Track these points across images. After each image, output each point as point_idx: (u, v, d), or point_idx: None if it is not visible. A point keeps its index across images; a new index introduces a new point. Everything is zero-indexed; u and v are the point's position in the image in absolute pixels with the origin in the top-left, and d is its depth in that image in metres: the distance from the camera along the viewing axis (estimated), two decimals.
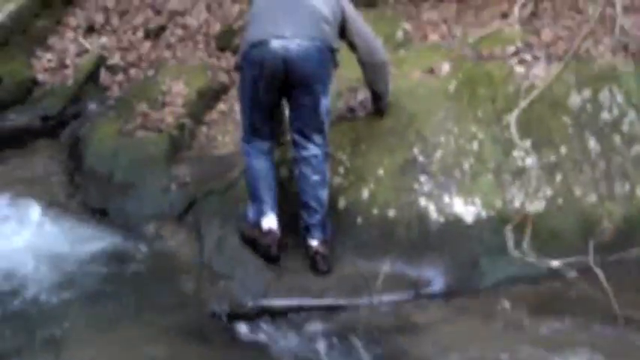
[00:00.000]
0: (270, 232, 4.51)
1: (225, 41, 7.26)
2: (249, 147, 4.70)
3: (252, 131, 4.67)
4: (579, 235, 4.27)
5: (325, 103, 4.48)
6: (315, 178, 4.50)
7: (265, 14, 4.55)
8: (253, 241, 4.60)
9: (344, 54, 4.72)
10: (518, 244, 4.25)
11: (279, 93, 4.52)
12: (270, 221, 4.53)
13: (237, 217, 4.84)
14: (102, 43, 7.79)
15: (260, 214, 4.57)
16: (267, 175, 4.65)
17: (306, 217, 4.51)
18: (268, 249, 4.51)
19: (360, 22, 4.72)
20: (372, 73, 4.80)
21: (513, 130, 4.03)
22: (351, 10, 4.69)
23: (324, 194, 4.52)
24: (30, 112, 7.13)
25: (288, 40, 4.34)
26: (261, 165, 4.66)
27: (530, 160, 4.44)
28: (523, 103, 4.25)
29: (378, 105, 4.94)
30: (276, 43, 4.34)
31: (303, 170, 4.54)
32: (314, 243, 4.48)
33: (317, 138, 4.51)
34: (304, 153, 4.53)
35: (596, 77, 4.77)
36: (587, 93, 4.68)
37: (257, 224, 4.57)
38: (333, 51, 4.48)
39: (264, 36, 4.39)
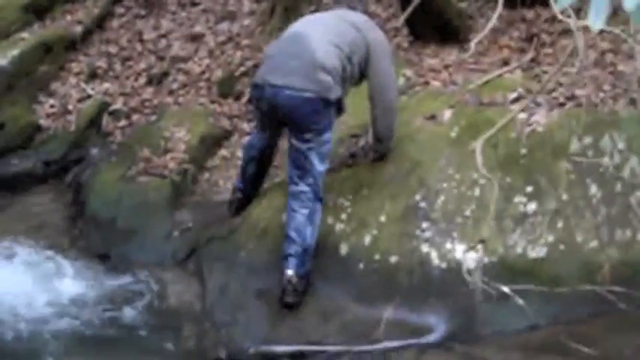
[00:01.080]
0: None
1: (227, 87, 7.34)
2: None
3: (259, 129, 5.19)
4: (580, 281, 4.31)
5: (319, 150, 4.65)
6: (302, 211, 4.61)
7: (271, 58, 4.82)
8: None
9: (348, 100, 4.83)
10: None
11: (278, 124, 4.85)
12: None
13: (240, 264, 4.90)
14: (104, 89, 7.90)
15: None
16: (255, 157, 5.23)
17: (286, 247, 4.60)
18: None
19: (384, 62, 4.86)
20: (379, 112, 4.91)
21: (478, 157, 4.06)
22: (377, 48, 4.84)
23: (307, 230, 4.60)
24: (32, 157, 7.21)
25: (279, 89, 4.58)
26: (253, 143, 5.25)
27: (531, 206, 4.49)
28: (490, 132, 4.28)
29: (378, 148, 5.05)
30: (269, 91, 4.63)
31: (291, 204, 4.67)
32: (288, 272, 4.54)
33: (307, 178, 4.66)
34: (294, 188, 4.68)
35: (598, 123, 4.83)
36: (588, 139, 4.73)
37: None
38: (328, 101, 4.58)
39: (261, 81, 4.71)
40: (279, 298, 4.59)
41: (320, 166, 4.67)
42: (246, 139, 6.17)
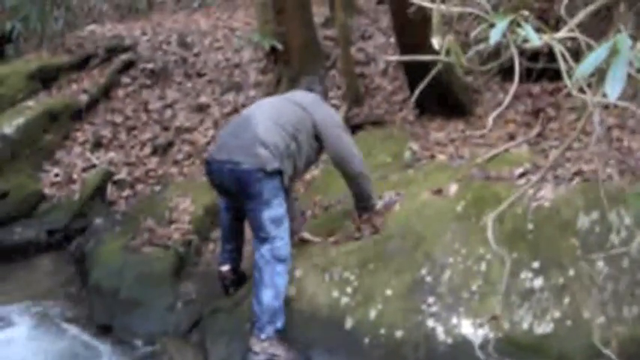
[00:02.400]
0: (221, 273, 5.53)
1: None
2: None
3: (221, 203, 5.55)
4: (587, 357, 4.32)
5: (269, 215, 4.99)
6: (260, 276, 4.95)
7: (221, 137, 5.38)
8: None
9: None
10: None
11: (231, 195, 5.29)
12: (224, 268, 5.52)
13: (244, 336, 4.92)
14: (109, 158, 8.01)
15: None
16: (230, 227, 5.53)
17: (250, 315, 4.98)
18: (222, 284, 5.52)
19: (335, 135, 5.26)
20: (349, 182, 5.34)
21: (490, 233, 4.11)
22: (326, 124, 5.26)
23: (264, 294, 4.88)
24: (36, 225, 7.30)
25: (223, 164, 5.07)
26: (226, 217, 5.52)
27: (538, 282, 4.52)
28: (501, 207, 4.34)
29: (361, 207, 5.41)
30: (215, 166, 5.16)
31: (253, 272, 5.04)
32: (250, 340, 4.86)
33: (265, 244, 4.99)
34: (255, 255, 5.05)
35: (604, 199, 4.87)
36: (595, 215, 4.78)
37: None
38: (265, 171, 4.94)
39: (210, 158, 5.26)
40: None
41: (275, 231, 4.98)
42: None
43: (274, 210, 5.00)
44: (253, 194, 4.98)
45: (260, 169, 4.93)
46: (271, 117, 5.15)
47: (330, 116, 5.34)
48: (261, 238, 5.00)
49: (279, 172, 5.01)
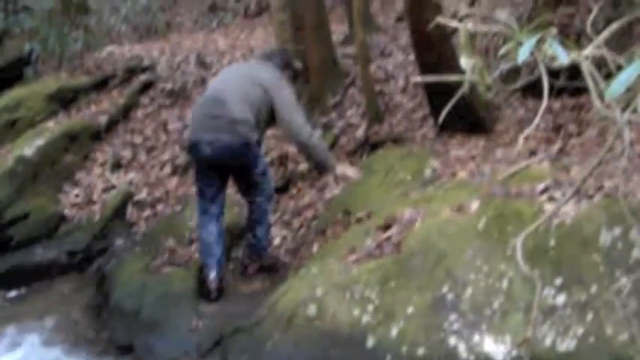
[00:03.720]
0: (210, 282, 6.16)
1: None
2: (199, 215, 6.37)
3: (199, 194, 6.39)
4: None
5: (257, 171, 6.34)
6: (252, 218, 6.47)
7: (197, 117, 6.37)
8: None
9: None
10: None
11: (218, 173, 6.35)
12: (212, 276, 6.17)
13: (265, 355, 4.97)
14: (129, 179, 8.10)
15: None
16: (211, 241, 6.24)
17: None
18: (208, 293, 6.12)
19: (286, 108, 6.32)
20: (300, 150, 6.54)
21: (519, 253, 4.14)
22: (280, 102, 6.32)
23: (258, 231, 6.46)
24: (56, 247, 7.39)
25: (213, 142, 6.10)
26: (206, 232, 6.26)
27: (560, 299, 4.53)
28: (531, 227, 4.36)
29: (320, 170, 6.72)
30: (204, 145, 6.13)
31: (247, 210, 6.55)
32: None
33: (255, 194, 6.43)
34: (250, 206, 6.50)
35: (627, 215, 4.88)
36: (617, 231, 4.78)
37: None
38: (249, 143, 6.16)
39: (196, 139, 6.20)
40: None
41: (262, 180, 6.40)
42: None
43: (260, 166, 6.35)
44: (244, 162, 6.25)
45: (245, 142, 6.13)
46: (242, 98, 6.19)
47: (283, 95, 6.34)
48: (254, 191, 6.41)
49: (257, 140, 6.28)
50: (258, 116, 6.25)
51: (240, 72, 6.63)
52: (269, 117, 6.37)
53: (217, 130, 6.10)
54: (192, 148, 6.27)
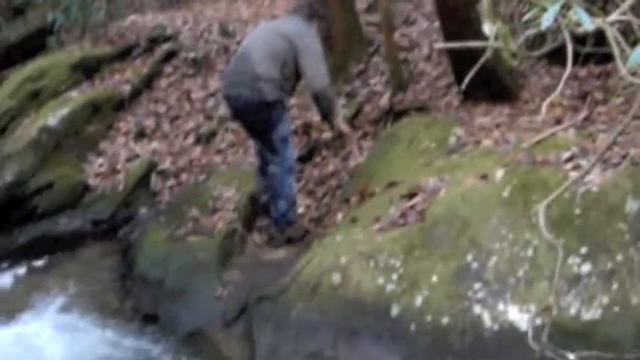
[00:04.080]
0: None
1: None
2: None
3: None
4: (636, 342, 4.33)
5: (277, 135, 6.37)
6: (272, 190, 6.49)
7: (227, 73, 6.73)
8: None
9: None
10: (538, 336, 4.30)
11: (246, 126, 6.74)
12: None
13: (290, 324, 5.00)
14: (153, 149, 8.13)
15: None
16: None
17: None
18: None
19: (309, 56, 6.33)
20: (314, 98, 6.50)
21: (541, 220, 4.12)
22: (304, 51, 6.33)
23: (280, 204, 6.45)
24: (81, 216, 7.46)
25: (237, 98, 6.37)
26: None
27: (585, 267, 4.52)
28: (553, 195, 4.35)
29: (329, 122, 6.82)
30: (231, 101, 6.50)
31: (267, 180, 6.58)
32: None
33: (273, 157, 6.43)
34: (269, 172, 6.50)
35: None
36: None
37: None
38: (267, 102, 6.25)
39: (224, 94, 6.63)
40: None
41: (283, 148, 6.41)
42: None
43: (280, 131, 6.38)
44: (263, 120, 6.34)
45: (265, 100, 6.24)
46: (266, 54, 6.30)
47: (308, 45, 6.36)
48: (272, 157, 6.42)
49: (279, 100, 6.32)
50: (283, 70, 6.32)
51: (267, 27, 6.79)
52: (295, 70, 6.40)
53: (240, 86, 6.31)
54: (226, 102, 6.71)
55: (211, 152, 8.03)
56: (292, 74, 6.41)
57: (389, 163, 6.29)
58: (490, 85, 6.61)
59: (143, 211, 7.24)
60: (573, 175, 4.88)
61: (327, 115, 6.63)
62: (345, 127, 6.96)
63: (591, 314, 4.39)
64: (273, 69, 6.27)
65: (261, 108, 6.27)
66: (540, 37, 6.34)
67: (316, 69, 6.33)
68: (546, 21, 3.12)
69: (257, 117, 6.36)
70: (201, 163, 7.92)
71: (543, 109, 4.56)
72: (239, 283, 5.91)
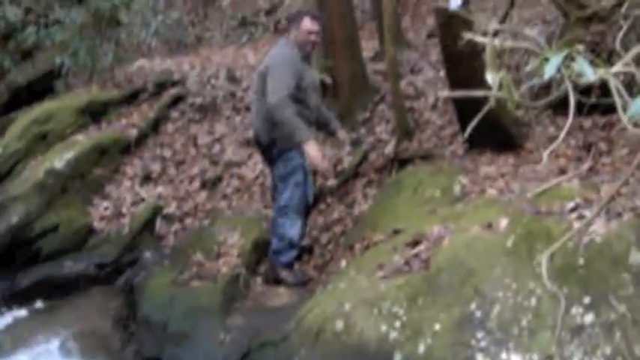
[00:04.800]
0: None
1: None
2: None
3: None
4: None
5: (276, 173, 6.61)
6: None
7: None
8: None
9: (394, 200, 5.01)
10: None
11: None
12: None
13: None
14: (158, 193, 8.18)
15: None
16: None
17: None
18: None
19: (271, 77, 6.41)
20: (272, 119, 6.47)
21: (544, 270, 4.16)
22: (269, 71, 6.47)
23: (273, 241, 6.59)
24: (86, 259, 7.48)
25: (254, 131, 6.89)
26: None
27: (588, 318, 4.55)
28: (557, 244, 4.39)
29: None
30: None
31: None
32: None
33: (275, 195, 6.68)
34: None
35: None
36: None
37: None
38: (266, 143, 6.62)
39: None
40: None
41: (281, 186, 6.56)
42: None
43: (280, 170, 6.56)
44: (267, 157, 6.72)
45: (260, 141, 6.68)
46: (256, 107, 6.66)
47: (271, 73, 6.44)
48: (276, 195, 6.66)
49: (273, 141, 6.50)
50: (267, 117, 6.50)
51: (258, 71, 6.81)
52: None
53: (253, 125, 6.85)
54: None
55: (216, 197, 8.09)
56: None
57: (393, 211, 6.34)
58: (495, 135, 6.66)
59: (147, 254, 7.28)
60: (577, 225, 4.91)
61: (287, 135, 6.43)
62: (313, 152, 6.43)
63: None
64: (261, 120, 6.59)
65: (262, 148, 6.75)
66: (545, 88, 6.42)
67: (272, 86, 6.37)
68: (549, 71, 3.18)
69: (263, 153, 6.81)
70: (206, 208, 7.97)
71: (544, 157, 4.63)
72: (242, 328, 5.93)
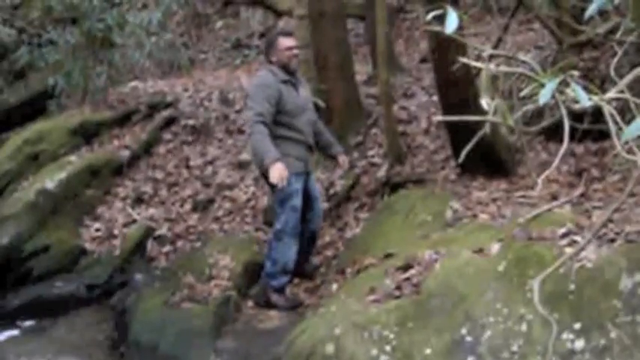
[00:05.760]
0: None
1: (271, 215, 7.50)
2: None
3: None
4: None
5: (275, 196, 6.60)
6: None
7: None
8: None
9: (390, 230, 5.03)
10: None
11: None
12: None
13: None
14: (150, 214, 8.19)
15: None
16: None
17: None
18: None
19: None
20: None
21: (536, 296, 4.19)
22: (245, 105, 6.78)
23: (266, 264, 6.58)
24: (76, 280, 7.48)
25: None
26: None
27: (579, 343, 4.56)
28: (549, 270, 4.41)
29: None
30: None
31: None
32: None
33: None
34: None
35: None
36: (638, 276, 4.80)
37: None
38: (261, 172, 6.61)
39: None
40: None
41: (279, 210, 6.56)
42: None
43: (277, 195, 6.53)
44: (268, 183, 6.54)
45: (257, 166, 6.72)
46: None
47: (245, 113, 6.94)
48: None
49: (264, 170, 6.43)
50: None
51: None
52: (273, 127, 6.44)
53: None
54: None
55: (208, 219, 8.10)
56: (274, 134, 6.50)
57: (385, 235, 6.36)
58: (487, 160, 6.70)
59: (139, 276, 7.28)
60: (569, 250, 4.93)
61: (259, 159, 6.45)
62: (275, 172, 6.26)
63: None
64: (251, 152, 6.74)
65: (261, 172, 6.66)
66: (538, 113, 6.47)
67: (245, 115, 6.69)
68: (544, 97, 3.21)
69: (263, 177, 6.69)
70: (197, 230, 7.99)
71: (539, 184, 4.65)
72: (233, 351, 5.94)
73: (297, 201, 6.55)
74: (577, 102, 3.35)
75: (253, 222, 7.89)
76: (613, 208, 4.35)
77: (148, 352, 6.05)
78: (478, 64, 4.44)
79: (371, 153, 8.41)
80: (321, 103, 8.31)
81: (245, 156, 8.93)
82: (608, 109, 3.57)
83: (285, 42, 6.65)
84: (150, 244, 7.88)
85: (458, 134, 6.75)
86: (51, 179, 8.32)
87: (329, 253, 7.19)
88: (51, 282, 7.47)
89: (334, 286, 6.27)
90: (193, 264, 7.01)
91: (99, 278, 7.52)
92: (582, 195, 6.11)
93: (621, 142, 3.38)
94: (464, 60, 4.52)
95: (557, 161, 3.91)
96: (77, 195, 8.36)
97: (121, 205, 8.48)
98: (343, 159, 7.19)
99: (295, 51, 6.71)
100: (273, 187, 6.46)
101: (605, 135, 6.33)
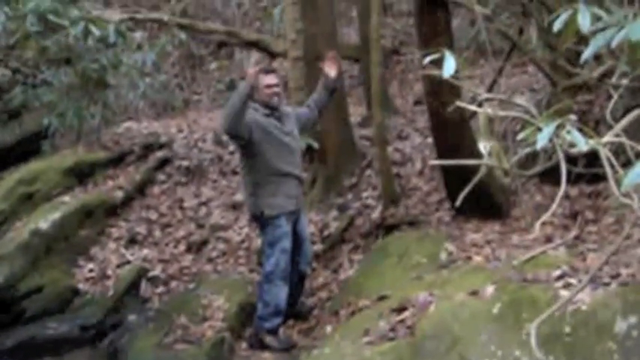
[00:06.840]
0: None
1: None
2: None
3: None
4: None
5: (264, 237, 6.70)
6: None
7: None
8: None
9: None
10: None
11: None
12: None
13: None
14: (144, 255, 8.19)
15: None
16: None
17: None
18: None
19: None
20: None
21: (533, 340, 4.20)
22: None
23: (258, 306, 6.61)
24: (69, 321, 7.46)
25: None
26: None
27: None
28: (545, 314, 4.43)
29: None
30: None
31: None
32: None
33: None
34: None
35: None
36: (633, 319, 4.82)
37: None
38: (252, 212, 6.74)
39: None
40: None
41: (268, 251, 6.61)
42: None
43: (266, 236, 6.62)
44: (258, 225, 6.88)
45: (249, 210, 6.83)
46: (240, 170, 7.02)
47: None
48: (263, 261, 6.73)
49: (259, 212, 6.56)
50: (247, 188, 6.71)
51: None
52: (259, 165, 6.53)
53: None
54: None
55: (202, 261, 8.11)
56: (259, 167, 6.56)
57: (379, 277, 6.39)
58: (482, 202, 6.72)
59: (132, 317, 7.27)
60: (563, 293, 4.95)
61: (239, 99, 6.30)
62: (249, 74, 6.38)
63: None
64: (246, 192, 6.75)
65: (252, 215, 6.83)
66: (532, 156, 6.51)
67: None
68: (541, 140, 3.25)
69: (254, 220, 6.92)
70: (191, 271, 7.99)
71: (536, 228, 4.68)
72: None
73: (287, 243, 6.58)
74: (573, 146, 3.39)
75: (247, 263, 7.90)
76: (610, 252, 4.37)
77: None
78: (473, 107, 4.49)
79: (365, 195, 8.45)
80: (315, 145, 8.36)
81: (239, 197, 8.95)
82: (604, 153, 3.62)
83: (265, 80, 6.63)
84: (143, 285, 7.87)
85: (452, 176, 6.80)
86: (44, 219, 8.33)
87: (323, 294, 7.20)
88: (44, 322, 7.46)
89: (328, 328, 6.28)
90: (187, 305, 7.01)
91: (92, 319, 7.50)
92: (577, 237, 6.15)
93: (621, 190, 3.42)
94: (459, 103, 4.56)
95: (554, 206, 3.94)
96: (71, 235, 8.36)
97: (115, 245, 8.48)
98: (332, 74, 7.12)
99: (276, 89, 6.69)
100: (263, 229, 6.57)
101: (599, 177, 6.37)
